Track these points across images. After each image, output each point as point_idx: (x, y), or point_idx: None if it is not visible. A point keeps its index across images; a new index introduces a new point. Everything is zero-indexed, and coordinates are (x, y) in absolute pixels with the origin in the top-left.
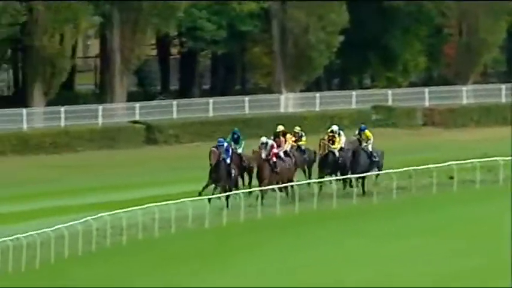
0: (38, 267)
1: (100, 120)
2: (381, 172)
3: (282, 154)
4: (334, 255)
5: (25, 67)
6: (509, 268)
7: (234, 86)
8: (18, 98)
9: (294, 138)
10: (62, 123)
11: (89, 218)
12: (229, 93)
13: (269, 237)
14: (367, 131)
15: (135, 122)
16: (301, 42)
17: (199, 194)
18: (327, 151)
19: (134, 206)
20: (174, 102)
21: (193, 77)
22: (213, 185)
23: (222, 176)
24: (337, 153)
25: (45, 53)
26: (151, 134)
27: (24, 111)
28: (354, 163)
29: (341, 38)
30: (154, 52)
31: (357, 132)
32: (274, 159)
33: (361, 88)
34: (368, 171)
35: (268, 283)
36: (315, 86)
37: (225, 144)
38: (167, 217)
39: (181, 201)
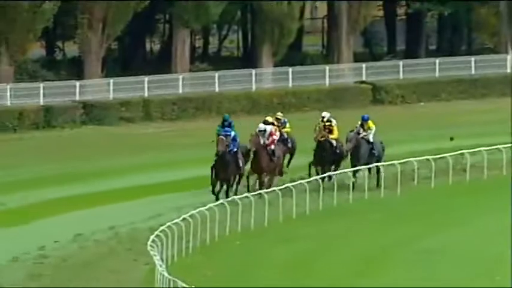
0: (266, 225)
1: (327, 81)
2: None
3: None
4: None
5: (254, 28)
6: None
7: (461, 47)
8: (248, 59)
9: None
10: (290, 83)
11: (316, 177)
12: (456, 53)
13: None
14: (370, 122)
15: (362, 82)
16: None
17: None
18: (323, 138)
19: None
20: (400, 62)
21: (420, 38)
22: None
23: (229, 169)
24: (334, 143)
25: (274, 14)
26: (377, 94)
27: (253, 71)
28: (354, 153)
29: None
30: (381, 13)
31: (359, 122)
32: (273, 146)
33: None
34: (369, 162)
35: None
36: None
37: (232, 133)
38: (389, 176)
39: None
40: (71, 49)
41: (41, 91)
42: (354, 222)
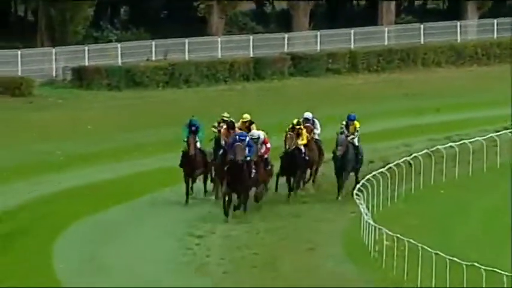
0: (471, 175)
1: None
2: None
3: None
4: None
5: None
6: None
7: None
8: (453, 11)
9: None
10: (494, 35)
11: None
12: None
13: None
14: (356, 122)
15: None
16: None
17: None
18: (293, 146)
19: None
20: None
21: None
22: None
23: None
24: (303, 150)
25: None
26: None
27: (458, 23)
28: (341, 159)
29: None
30: None
31: (344, 122)
32: (266, 156)
33: None
34: (355, 167)
35: None
36: None
37: (247, 138)
38: None
39: None
40: (280, 2)
41: (251, 43)
42: None
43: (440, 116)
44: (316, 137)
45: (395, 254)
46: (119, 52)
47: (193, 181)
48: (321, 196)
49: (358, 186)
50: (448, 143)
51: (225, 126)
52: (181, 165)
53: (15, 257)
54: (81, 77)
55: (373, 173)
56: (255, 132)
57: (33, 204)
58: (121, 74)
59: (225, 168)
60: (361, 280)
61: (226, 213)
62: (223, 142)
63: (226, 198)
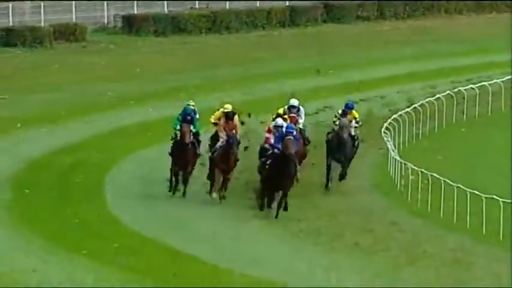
0: (490, 114)
1: None
2: None
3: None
4: None
5: None
6: None
7: None
8: None
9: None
10: None
11: None
12: None
13: None
14: (354, 111)
15: None
16: None
17: None
18: None
19: None
20: None
21: None
22: None
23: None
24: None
25: None
26: None
27: None
28: (340, 148)
29: None
30: None
31: (340, 111)
32: (267, 145)
33: None
34: (352, 157)
35: None
36: None
37: (295, 131)
38: None
39: None
40: None
41: None
42: None
43: (462, 60)
44: (301, 126)
45: (419, 187)
46: (165, 1)
47: (185, 174)
48: None
49: (385, 125)
50: (468, 85)
51: (224, 118)
52: (172, 155)
53: (75, 185)
54: (130, 24)
55: (399, 112)
56: (279, 120)
57: (89, 140)
58: (167, 21)
59: (268, 162)
60: (389, 212)
61: (262, 207)
62: (222, 134)
63: (265, 196)
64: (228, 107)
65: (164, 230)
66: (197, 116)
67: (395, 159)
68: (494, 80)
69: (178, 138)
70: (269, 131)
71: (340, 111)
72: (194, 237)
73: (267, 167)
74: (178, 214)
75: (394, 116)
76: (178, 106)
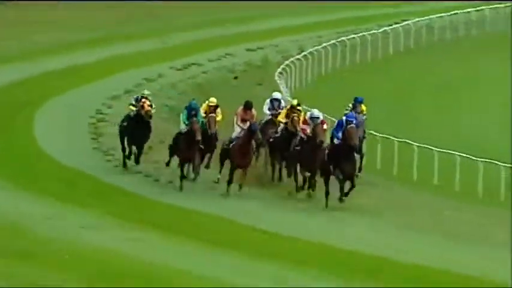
0: (370, 61)
1: None
2: None
3: None
4: None
5: None
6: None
7: None
8: None
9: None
10: None
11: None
12: None
13: None
14: (363, 105)
15: None
16: None
17: None
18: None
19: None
20: None
21: None
22: None
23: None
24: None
25: None
26: None
27: None
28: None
29: None
30: None
31: (350, 104)
32: (303, 135)
33: None
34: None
35: None
36: None
37: (355, 120)
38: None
39: None
40: None
41: None
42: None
43: (346, 13)
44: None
45: None
46: None
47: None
48: (247, 77)
49: (279, 70)
50: (351, 35)
51: (241, 107)
52: (176, 147)
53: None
54: None
55: (291, 59)
56: (315, 111)
57: None
58: None
59: (329, 152)
60: None
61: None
62: (239, 123)
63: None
64: (213, 101)
65: None
66: (212, 114)
67: (288, 100)
68: (373, 31)
69: (186, 132)
70: (305, 122)
71: (350, 105)
72: None
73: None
74: None
75: (287, 62)
76: None
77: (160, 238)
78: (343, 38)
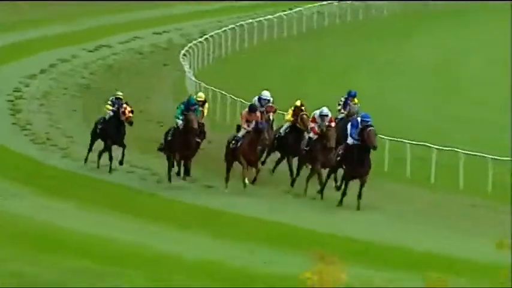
0: (267, 43)
1: None
2: None
3: None
4: None
5: None
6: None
7: None
8: None
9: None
10: None
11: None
12: None
13: None
14: (356, 99)
15: None
16: None
17: None
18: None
19: None
20: None
21: None
22: None
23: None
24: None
25: None
26: None
27: None
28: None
29: None
30: None
31: (342, 98)
32: (312, 135)
33: None
34: None
35: None
36: None
37: (370, 120)
38: None
39: None
40: None
41: None
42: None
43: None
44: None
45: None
46: None
47: (187, 163)
48: (154, 56)
49: (183, 51)
50: (249, 20)
51: (246, 109)
52: (170, 144)
53: None
54: None
55: (194, 42)
56: (324, 109)
57: None
58: None
59: (343, 152)
60: None
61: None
62: (246, 126)
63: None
64: (201, 96)
65: None
66: (200, 109)
67: (191, 79)
68: (269, 16)
69: (180, 127)
70: (313, 120)
71: (342, 99)
72: None
73: (338, 158)
74: None
75: (190, 44)
76: None
77: (76, 208)
78: (241, 23)
